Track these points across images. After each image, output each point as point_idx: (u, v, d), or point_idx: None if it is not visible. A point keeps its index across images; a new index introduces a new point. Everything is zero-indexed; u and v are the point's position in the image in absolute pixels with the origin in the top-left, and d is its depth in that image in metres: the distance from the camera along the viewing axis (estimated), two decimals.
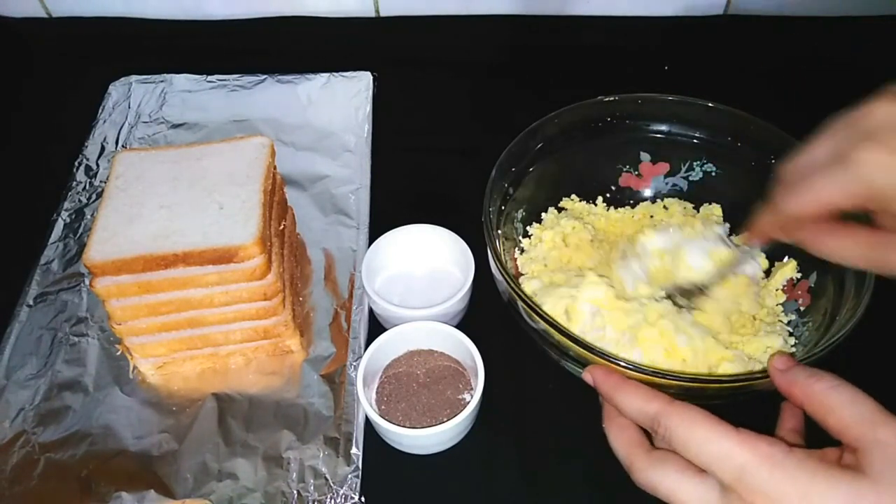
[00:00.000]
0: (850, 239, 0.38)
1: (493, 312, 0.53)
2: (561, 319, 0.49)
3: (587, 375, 0.42)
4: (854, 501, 0.30)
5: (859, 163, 0.34)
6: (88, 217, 0.64)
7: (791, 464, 0.32)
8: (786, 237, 0.41)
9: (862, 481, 0.31)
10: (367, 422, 0.51)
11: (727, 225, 0.58)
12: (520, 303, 0.45)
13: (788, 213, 0.39)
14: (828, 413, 0.34)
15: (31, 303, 0.59)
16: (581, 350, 0.43)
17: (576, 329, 0.49)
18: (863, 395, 0.33)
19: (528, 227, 0.58)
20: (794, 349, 0.50)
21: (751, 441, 0.33)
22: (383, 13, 0.85)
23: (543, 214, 0.59)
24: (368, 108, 0.73)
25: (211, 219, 0.50)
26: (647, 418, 0.37)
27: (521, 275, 0.56)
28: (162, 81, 0.76)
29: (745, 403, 0.42)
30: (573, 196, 0.61)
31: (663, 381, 0.40)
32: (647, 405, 0.37)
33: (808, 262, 0.53)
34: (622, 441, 0.39)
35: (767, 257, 0.56)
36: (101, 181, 0.67)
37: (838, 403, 0.33)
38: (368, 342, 0.51)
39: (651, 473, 0.36)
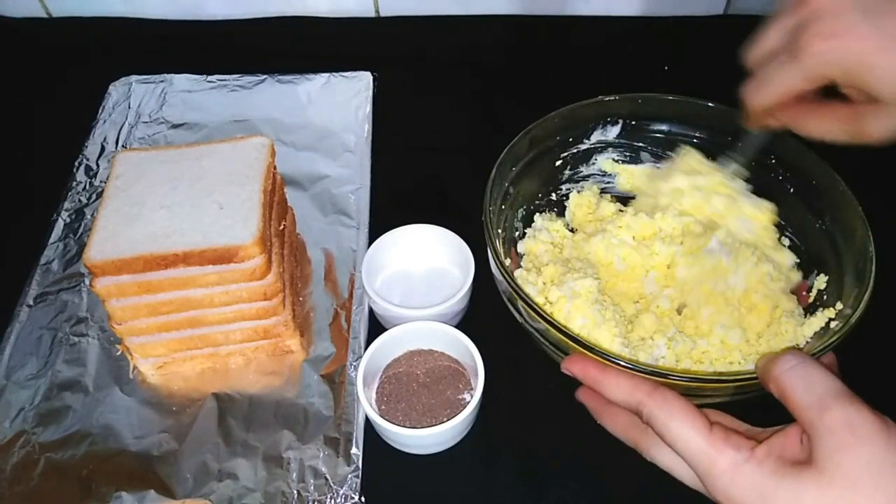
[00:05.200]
0: (829, 116, 0.41)
1: (493, 312, 0.53)
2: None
3: (565, 370, 0.43)
4: (798, 496, 0.31)
5: (809, 54, 0.38)
6: (88, 217, 0.64)
7: (749, 469, 0.33)
8: (774, 123, 0.45)
9: (806, 473, 0.31)
10: (367, 422, 0.51)
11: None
12: (520, 302, 0.45)
13: (756, 108, 0.43)
14: (786, 398, 0.34)
15: (31, 303, 0.59)
16: (581, 349, 0.43)
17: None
18: (818, 376, 0.33)
19: (527, 229, 0.58)
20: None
21: (718, 445, 0.34)
22: (383, 13, 0.85)
23: (537, 216, 0.59)
24: (368, 108, 0.73)
25: (211, 219, 0.50)
26: (631, 407, 0.38)
27: (520, 267, 0.56)
28: (162, 81, 0.76)
29: (745, 403, 0.42)
30: (572, 194, 0.61)
31: (663, 381, 0.40)
32: (629, 396, 0.38)
33: (808, 262, 0.53)
34: (619, 428, 0.42)
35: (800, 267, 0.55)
36: (101, 181, 0.67)
37: (791, 386, 0.34)
38: (368, 342, 0.51)
39: (653, 452, 0.39)
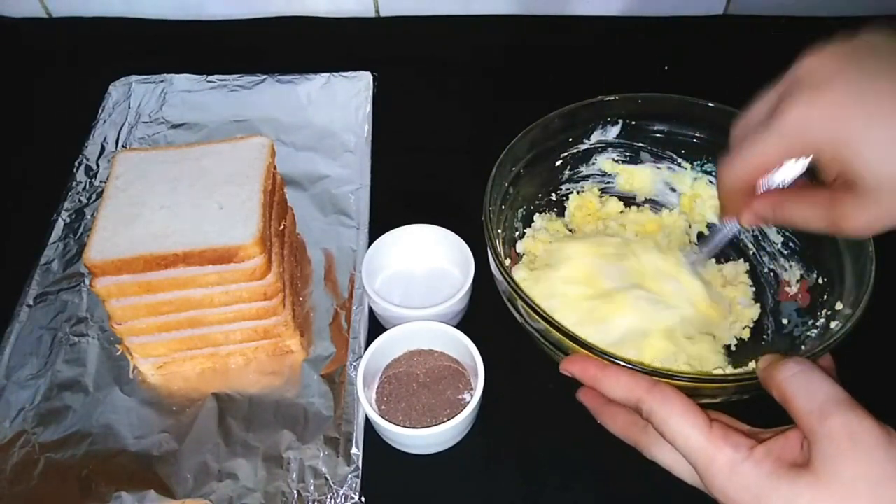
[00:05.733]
0: (807, 200, 0.38)
1: (493, 312, 0.53)
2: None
3: (564, 370, 0.43)
4: (793, 499, 0.31)
5: (785, 121, 0.36)
6: (88, 217, 0.64)
7: (746, 469, 0.33)
8: (750, 215, 0.42)
9: (803, 477, 0.31)
10: (367, 422, 0.51)
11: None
12: (520, 302, 0.45)
13: (732, 184, 0.40)
14: (788, 403, 0.34)
15: (31, 303, 0.59)
16: (581, 349, 0.43)
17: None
18: (819, 383, 0.33)
19: (527, 229, 0.59)
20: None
21: (717, 442, 0.34)
22: (383, 13, 0.85)
23: (537, 216, 0.59)
24: (368, 108, 0.73)
25: (211, 219, 0.50)
26: (631, 404, 0.38)
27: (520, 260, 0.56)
28: (162, 81, 0.76)
29: (746, 403, 0.42)
30: (572, 195, 0.61)
31: (662, 381, 0.40)
32: (629, 393, 0.38)
33: (808, 262, 0.53)
34: (618, 428, 0.41)
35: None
36: (101, 181, 0.67)
37: (793, 393, 0.34)
38: (368, 342, 0.51)
39: (653, 450, 0.39)
